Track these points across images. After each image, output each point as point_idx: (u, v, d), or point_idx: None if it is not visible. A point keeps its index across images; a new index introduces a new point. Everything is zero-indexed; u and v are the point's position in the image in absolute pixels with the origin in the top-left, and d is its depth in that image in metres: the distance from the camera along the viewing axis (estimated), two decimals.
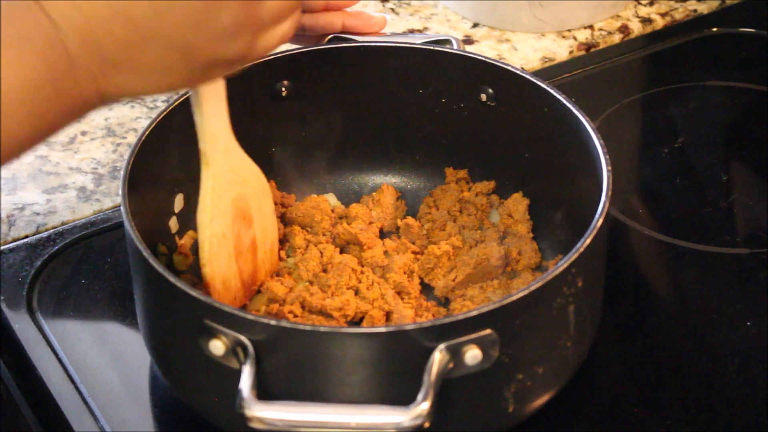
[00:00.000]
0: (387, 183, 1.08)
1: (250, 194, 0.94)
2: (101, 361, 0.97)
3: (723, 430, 0.91)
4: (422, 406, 0.77)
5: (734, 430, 0.92)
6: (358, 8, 1.08)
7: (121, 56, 0.75)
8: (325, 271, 0.99)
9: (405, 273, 1.00)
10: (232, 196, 0.92)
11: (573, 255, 0.83)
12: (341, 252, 1.01)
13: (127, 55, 0.75)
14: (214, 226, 0.91)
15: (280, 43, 0.84)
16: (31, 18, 0.71)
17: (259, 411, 0.77)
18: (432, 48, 1.02)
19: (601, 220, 0.86)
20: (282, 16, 0.82)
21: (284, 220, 1.04)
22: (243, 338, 0.80)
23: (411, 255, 1.01)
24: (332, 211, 1.05)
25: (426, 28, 1.33)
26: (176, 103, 0.96)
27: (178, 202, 1.00)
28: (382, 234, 1.05)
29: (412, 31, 1.33)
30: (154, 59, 0.76)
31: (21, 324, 1.00)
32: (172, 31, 0.75)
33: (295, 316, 0.94)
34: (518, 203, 1.03)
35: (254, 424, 0.77)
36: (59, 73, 0.73)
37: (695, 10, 1.36)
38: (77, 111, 0.76)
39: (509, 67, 1.00)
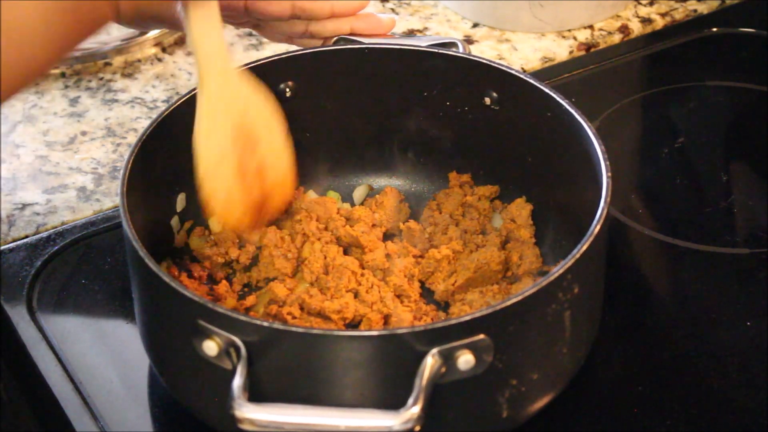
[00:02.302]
0: (391, 186, 1.08)
1: (254, 118, 0.95)
2: (101, 361, 0.97)
3: (723, 430, 0.91)
4: (412, 410, 0.77)
5: (734, 430, 0.92)
6: (367, 10, 1.08)
7: None
8: (327, 273, 0.99)
9: (405, 276, 1.00)
10: (231, 118, 0.93)
11: (569, 261, 0.83)
12: (344, 253, 1.01)
13: None
14: (210, 146, 0.92)
15: None
16: None
17: (249, 412, 0.77)
18: (437, 51, 1.02)
19: (598, 227, 0.86)
20: None
21: (290, 211, 1.04)
22: (236, 339, 0.80)
23: (412, 258, 1.01)
24: (337, 212, 1.05)
25: (426, 29, 1.33)
26: (177, 104, 0.96)
27: (180, 202, 1.00)
28: (385, 236, 1.05)
29: (412, 32, 1.33)
30: None
31: (21, 324, 1.00)
32: None
33: (294, 317, 0.94)
34: (521, 208, 1.03)
35: (244, 426, 0.77)
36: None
37: (695, 10, 1.36)
38: (94, 27, 0.81)
39: (513, 71, 1.00)
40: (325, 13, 1.06)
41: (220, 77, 0.92)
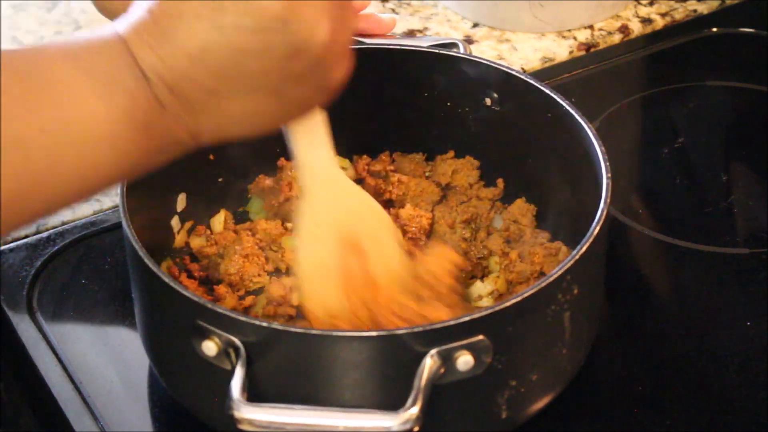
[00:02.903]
0: None
1: (361, 227, 0.92)
2: (101, 361, 0.97)
3: (723, 430, 0.91)
4: (411, 410, 0.77)
5: (734, 430, 0.92)
6: (367, 10, 1.08)
7: (207, 103, 0.73)
8: None
9: None
10: (334, 225, 0.90)
11: (568, 262, 0.83)
12: None
13: (214, 103, 0.73)
14: (310, 254, 0.90)
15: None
16: (122, 60, 0.71)
17: (248, 413, 0.77)
18: (438, 51, 1.02)
19: (598, 228, 0.86)
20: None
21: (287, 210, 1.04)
22: (235, 339, 0.80)
23: None
24: None
25: (426, 29, 1.33)
26: None
27: (180, 202, 1.00)
28: None
29: (412, 32, 1.33)
30: (242, 105, 0.74)
31: (21, 324, 1.00)
32: (256, 79, 0.73)
33: (292, 317, 0.94)
34: (523, 209, 1.03)
35: (243, 426, 0.77)
36: (146, 114, 0.71)
37: (695, 10, 1.36)
38: (170, 151, 0.75)
39: (513, 71, 1.00)
40: None
41: (324, 190, 0.89)
